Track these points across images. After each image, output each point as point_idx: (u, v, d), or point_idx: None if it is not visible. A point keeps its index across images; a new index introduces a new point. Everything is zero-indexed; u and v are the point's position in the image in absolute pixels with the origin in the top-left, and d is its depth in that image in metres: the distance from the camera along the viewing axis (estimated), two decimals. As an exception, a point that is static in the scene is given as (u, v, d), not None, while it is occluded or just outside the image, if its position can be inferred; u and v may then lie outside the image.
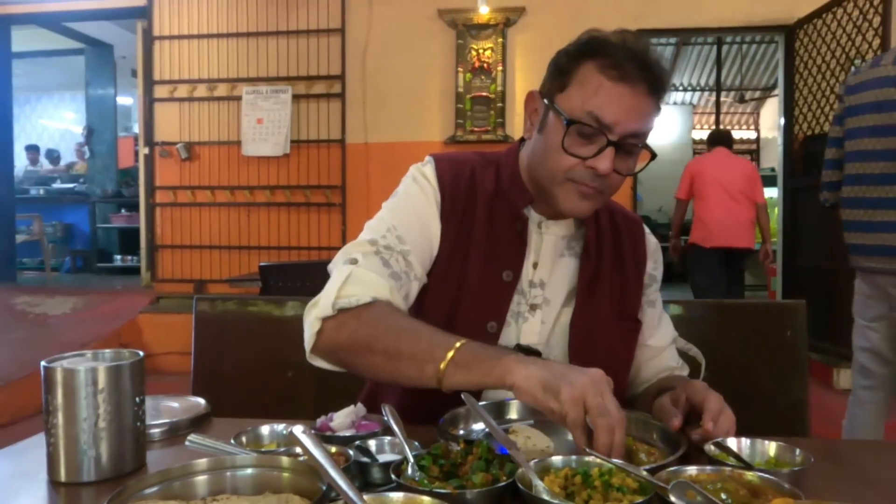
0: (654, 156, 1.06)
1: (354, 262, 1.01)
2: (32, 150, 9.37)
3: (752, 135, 10.90)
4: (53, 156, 9.43)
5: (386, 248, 1.03)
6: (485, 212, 1.11)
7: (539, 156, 1.07)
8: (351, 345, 0.95)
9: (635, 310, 1.18)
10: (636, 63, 0.99)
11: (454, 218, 1.11)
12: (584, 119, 0.99)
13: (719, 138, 4.65)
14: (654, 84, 1.01)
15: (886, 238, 2.25)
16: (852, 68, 3.79)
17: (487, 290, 1.09)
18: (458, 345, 0.87)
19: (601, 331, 1.12)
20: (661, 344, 1.21)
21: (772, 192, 6.18)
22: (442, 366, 0.86)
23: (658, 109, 1.04)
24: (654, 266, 1.22)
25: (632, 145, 1.01)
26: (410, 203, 1.10)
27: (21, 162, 9.20)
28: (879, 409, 2.43)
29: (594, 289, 1.13)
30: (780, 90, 5.09)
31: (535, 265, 1.13)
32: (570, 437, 0.98)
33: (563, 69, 1.04)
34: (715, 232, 4.33)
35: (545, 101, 1.06)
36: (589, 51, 1.02)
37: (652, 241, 1.24)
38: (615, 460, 0.73)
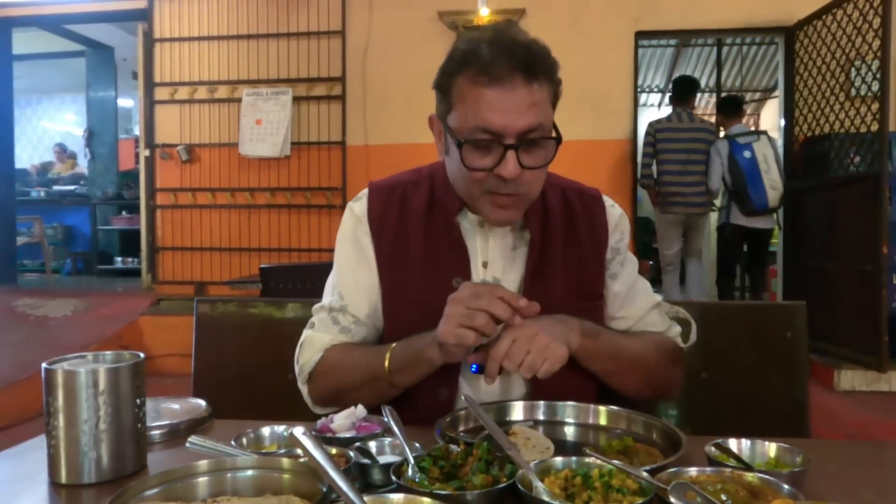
0: (559, 141, 1.03)
1: (312, 325, 1.19)
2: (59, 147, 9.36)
3: (752, 136, 10.88)
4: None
5: (332, 310, 1.16)
6: (419, 229, 1.14)
7: (453, 177, 1.09)
8: (330, 395, 1.13)
9: (596, 286, 1.17)
10: (504, 57, 0.97)
11: (386, 246, 1.15)
12: (474, 135, 0.99)
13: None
14: (530, 70, 0.98)
15: None
16: None
17: (438, 300, 1.06)
18: (387, 355, 1.03)
19: (555, 313, 1.09)
20: (636, 314, 1.20)
21: (772, 194, 6.17)
22: (389, 379, 1.04)
23: (549, 90, 1.02)
24: (619, 238, 1.20)
25: (534, 140, 1.00)
26: (343, 256, 1.19)
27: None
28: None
29: (545, 272, 1.13)
30: (780, 91, 5.09)
31: (484, 265, 1.13)
32: (570, 438, 0.99)
33: (444, 89, 1.05)
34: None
35: (441, 123, 1.07)
36: (458, 65, 1.02)
37: (615, 213, 1.20)
38: (615, 462, 0.73)
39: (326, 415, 0.93)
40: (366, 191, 1.20)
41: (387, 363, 1.04)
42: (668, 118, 4.85)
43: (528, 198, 1.07)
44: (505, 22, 1.14)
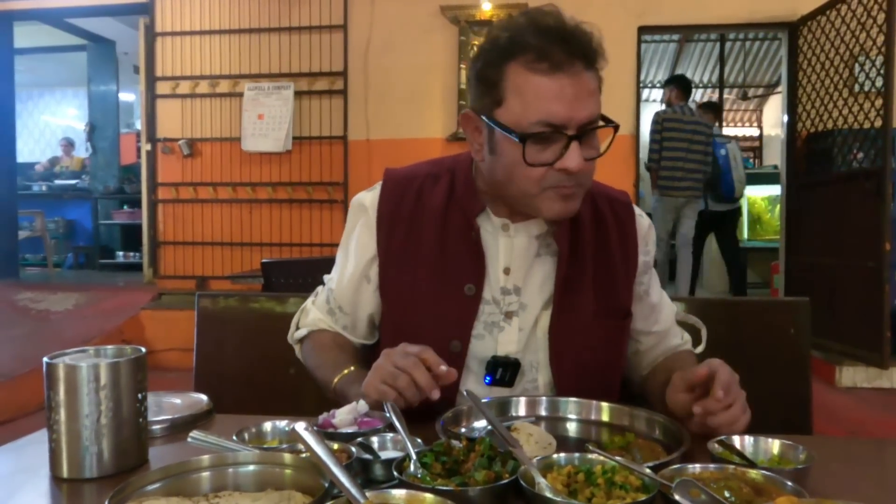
0: (616, 127, 0.98)
1: (315, 294, 1.23)
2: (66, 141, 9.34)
3: (754, 132, 10.87)
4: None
5: (329, 289, 1.19)
6: (434, 228, 1.08)
7: (503, 176, 1.00)
8: (306, 367, 1.19)
9: (625, 303, 1.12)
10: (560, 43, 0.92)
11: (396, 241, 1.10)
12: (537, 129, 0.93)
13: None
14: (588, 56, 0.94)
15: None
16: None
17: (446, 307, 1.06)
18: (335, 381, 1.04)
19: (583, 332, 1.07)
20: (664, 327, 1.18)
21: (775, 190, 6.18)
22: (334, 397, 1.05)
23: (600, 78, 0.98)
24: (647, 251, 1.15)
25: (592, 129, 0.96)
26: (342, 243, 1.19)
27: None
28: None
29: (574, 287, 1.07)
30: (783, 87, 5.08)
31: (506, 271, 1.07)
32: (572, 434, 0.98)
33: (490, 81, 0.97)
34: None
35: (485, 119, 0.99)
36: (508, 52, 0.95)
37: (643, 224, 1.15)
38: (618, 458, 0.73)
39: (329, 410, 0.92)
40: (379, 183, 1.14)
41: (333, 384, 1.05)
42: (674, 110, 5.26)
43: (585, 189, 1.01)
44: (548, 5, 1.09)
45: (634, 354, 1.21)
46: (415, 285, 1.08)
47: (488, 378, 1.06)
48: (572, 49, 0.93)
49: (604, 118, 0.98)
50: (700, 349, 1.23)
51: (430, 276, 1.07)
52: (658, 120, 5.22)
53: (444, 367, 0.90)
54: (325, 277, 1.22)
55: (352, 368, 1.05)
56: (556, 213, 1.00)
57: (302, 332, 1.20)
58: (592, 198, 1.12)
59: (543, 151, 0.95)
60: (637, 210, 1.16)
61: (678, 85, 5.42)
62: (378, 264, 1.11)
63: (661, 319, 1.18)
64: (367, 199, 1.13)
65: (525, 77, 0.93)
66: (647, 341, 1.18)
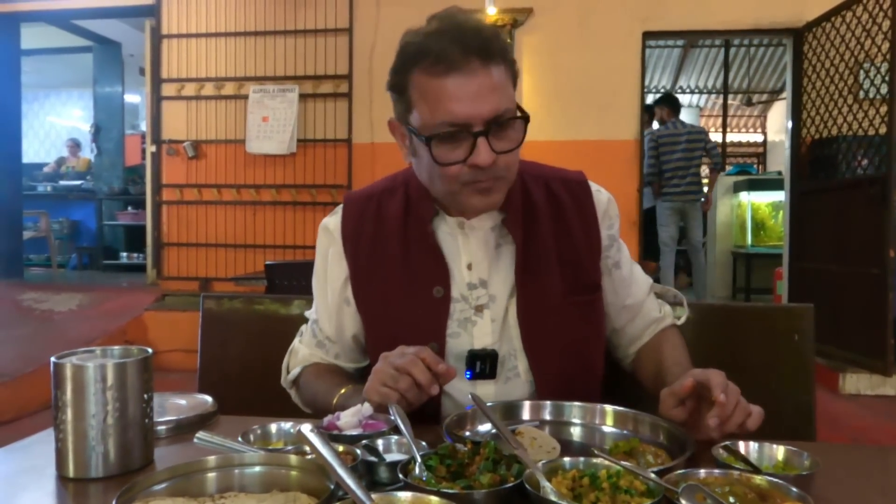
0: (526, 119, 1.00)
1: (301, 334, 1.24)
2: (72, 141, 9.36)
3: (758, 138, 10.87)
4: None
5: (313, 321, 1.21)
6: (396, 240, 1.11)
7: (426, 178, 1.05)
8: (305, 405, 1.19)
9: (593, 278, 1.13)
10: (456, 44, 0.94)
11: (363, 260, 1.13)
12: (440, 129, 0.96)
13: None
14: (485, 52, 0.95)
15: None
16: None
17: (419, 313, 1.08)
18: (334, 401, 1.04)
19: (553, 313, 1.09)
20: (638, 299, 1.19)
21: (779, 196, 6.18)
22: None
23: (507, 70, 0.99)
24: (610, 224, 1.16)
25: (502, 122, 0.97)
26: (316, 272, 1.20)
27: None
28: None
29: (536, 271, 1.09)
30: (787, 93, 5.07)
31: (469, 266, 1.10)
32: (576, 438, 0.99)
33: (399, 89, 1.02)
34: None
35: (403, 126, 1.04)
36: (410, 59, 0.99)
37: (602, 199, 1.16)
38: (623, 463, 0.73)
39: (333, 412, 0.93)
40: (339, 207, 1.19)
41: (334, 404, 1.04)
42: (666, 126, 5.93)
43: (508, 181, 1.03)
44: (450, 8, 1.11)
45: (614, 333, 1.22)
46: (386, 298, 1.11)
47: (468, 373, 1.08)
48: (467, 47, 0.95)
49: (520, 109, 1.00)
50: (682, 321, 1.23)
51: (399, 286, 1.11)
52: (653, 139, 5.86)
53: (442, 366, 0.92)
54: (307, 313, 1.24)
55: (349, 386, 1.06)
56: (480, 207, 1.04)
57: (295, 372, 1.21)
58: (545, 181, 1.15)
59: (454, 150, 0.98)
60: (594, 186, 1.18)
61: (667, 104, 6.10)
62: (351, 284, 1.15)
63: (634, 293, 1.19)
64: (330, 224, 1.18)
65: (425, 82, 0.97)
66: (624, 315, 1.19)
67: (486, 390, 1.09)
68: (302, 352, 1.21)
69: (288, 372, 1.23)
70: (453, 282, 1.10)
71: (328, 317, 1.18)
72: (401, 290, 1.10)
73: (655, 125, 6.25)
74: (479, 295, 1.10)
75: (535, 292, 1.09)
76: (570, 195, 1.14)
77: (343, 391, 1.05)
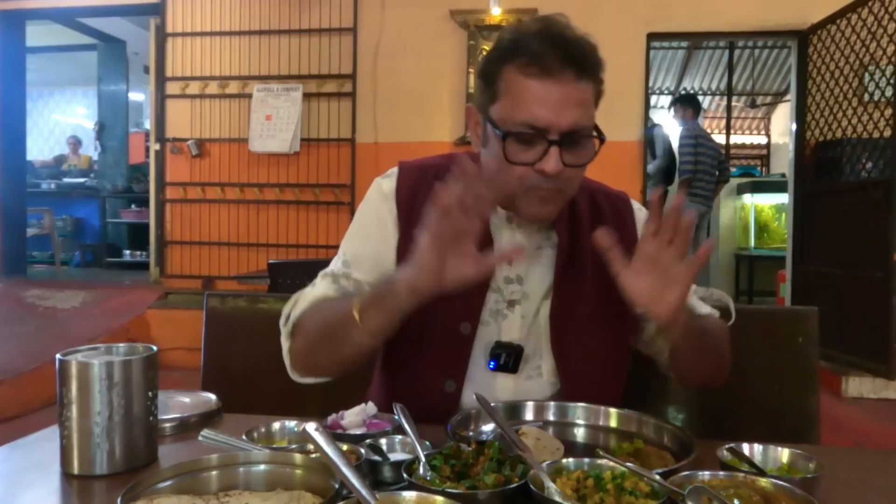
0: (602, 141, 1.02)
1: (314, 285, 1.12)
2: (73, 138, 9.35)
3: (762, 140, 10.84)
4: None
5: (335, 275, 1.11)
6: None
7: (490, 170, 1.05)
8: (309, 344, 1.06)
9: None
10: (556, 50, 0.96)
11: (413, 226, 1.05)
12: (519, 128, 0.97)
13: None
14: (582, 66, 0.97)
15: None
16: None
17: (458, 292, 1.05)
18: (356, 301, 0.94)
19: (584, 319, 1.10)
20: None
21: (782, 198, 6.17)
22: (358, 321, 0.93)
23: (595, 89, 1.01)
24: None
25: (577, 137, 0.99)
26: (359, 228, 1.14)
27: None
28: None
29: (574, 277, 1.11)
30: (792, 95, 5.06)
31: (510, 261, 1.11)
32: (580, 440, 0.99)
33: (489, 79, 1.02)
34: None
35: (482, 114, 1.05)
36: (507, 53, 0.99)
37: (642, 216, 1.19)
38: (628, 464, 0.73)
39: (337, 411, 0.93)
40: (395, 169, 1.16)
41: (356, 302, 0.95)
42: (699, 126, 5.99)
43: (566, 196, 1.05)
44: (555, 14, 1.12)
45: (652, 341, 1.20)
46: None
47: (492, 363, 1.08)
48: (566, 57, 0.96)
49: (595, 129, 1.02)
50: (731, 321, 1.22)
51: None
52: (693, 136, 5.81)
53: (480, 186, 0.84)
54: (325, 271, 1.14)
55: (362, 296, 0.97)
56: (533, 215, 1.05)
57: (305, 306, 1.09)
58: (591, 193, 1.17)
59: (526, 152, 0.99)
60: (636, 205, 1.20)
61: (691, 105, 6.06)
62: (397, 250, 1.11)
63: None
64: (385, 185, 1.15)
65: (517, 78, 0.98)
66: None
67: (506, 384, 1.10)
68: (315, 293, 1.10)
69: (287, 316, 1.12)
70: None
71: (368, 267, 1.10)
72: None
73: (677, 123, 6.18)
74: (513, 290, 1.11)
75: (570, 296, 1.11)
76: (612, 209, 1.17)
77: (356, 301, 0.95)
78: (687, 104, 6.05)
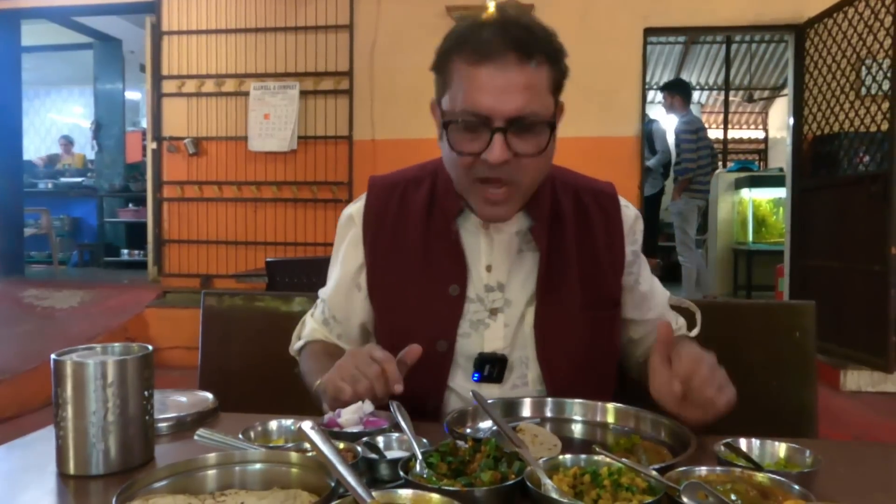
0: (552, 127, 0.97)
1: (315, 307, 1.24)
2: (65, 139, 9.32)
3: (760, 134, 10.85)
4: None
5: (322, 300, 1.21)
6: (417, 231, 1.10)
7: (446, 163, 1.05)
8: (304, 378, 1.16)
9: (613, 294, 1.12)
10: (499, 35, 0.93)
11: (381, 246, 1.12)
12: (461, 116, 0.95)
13: None
14: (526, 49, 0.93)
15: None
16: None
17: (432, 308, 1.07)
18: (314, 388, 1.03)
19: (570, 325, 1.08)
20: (658, 314, 1.18)
21: (780, 193, 6.16)
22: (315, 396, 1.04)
23: (550, 75, 0.97)
24: (634, 240, 1.15)
25: (527, 124, 0.94)
26: (335, 255, 1.20)
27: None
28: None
29: (558, 282, 1.08)
30: (789, 90, 5.06)
31: (488, 268, 1.09)
32: (577, 436, 0.98)
33: (440, 71, 1.01)
34: None
35: (438, 107, 1.04)
36: (455, 45, 0.98)
37: (630, 215, 1.15)
38: (624, 460, 0.72)
39: (335, 409, 0.93)
40: (364, 195, 1.18)
41: (315, 387, 1.04)
42: (698, 118, 5.85)
43: (522, 190, 1.00)
44: (514, 5, 1.09)
45: (630, 343, 1.21)
46: (401, 289, 1.10)
47: (476, 375, 1.07)
48: (509, 41, 0.93)
49: (553, 116, 0.98)
50: (695, 332, 1.23)
51: (416, 278, 1.09)
52: (694, 129, 5.68)
53: (399, 386, 0.91)
54: (321, 291, 1.24)
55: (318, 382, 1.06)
56: (487, 217, 1.04)
57: (300, 343, 1.23)
58: (575, 191, 1.13)
59: (472, 141, 0.96)
60: (623, 201, 1.16)
61: (680, 91, 5.79)
62: (366, 272, 1.14)
63: (654, 306, 1.18)
64: (353, 210, 1.17)
65: (461, 67, 0.96)
66: (641, 329, 1.19)
67: (492, 393, 1.07)
68: (309, 326, 1.23)
69: (296, 341, 1.26)
70: (470, 282, 1.08)
71: (338, 299, 1.18)
72: (417, 284, 1.09)
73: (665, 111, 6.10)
74: (494, 298, 1.08)
75: (554, 303, 1.08)
76: (598, 208, 1.13)
77: (321, 381, 1.03)
78: (675, 90, 5.81)
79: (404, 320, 1.09)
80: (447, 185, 1.08)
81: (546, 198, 1.09)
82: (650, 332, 1.18)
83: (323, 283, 1.25)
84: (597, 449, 0.75)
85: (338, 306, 1.18)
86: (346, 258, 1.16)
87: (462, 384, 1.08)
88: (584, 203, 1.13)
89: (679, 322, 1.22)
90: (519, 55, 0.93)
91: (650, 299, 1.18)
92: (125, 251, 8.02)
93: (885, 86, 3.87)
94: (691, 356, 0.90)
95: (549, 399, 1.03)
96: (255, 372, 1.44)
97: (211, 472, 0.73)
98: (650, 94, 9.45)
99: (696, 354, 0.91)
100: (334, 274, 1.20)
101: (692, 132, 5.67)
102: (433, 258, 1.09)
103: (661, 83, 9.66)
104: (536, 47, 0.95)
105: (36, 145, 10.41)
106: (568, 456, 0.77)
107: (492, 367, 1.07)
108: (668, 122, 6.75)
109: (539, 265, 1.08)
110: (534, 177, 1.01)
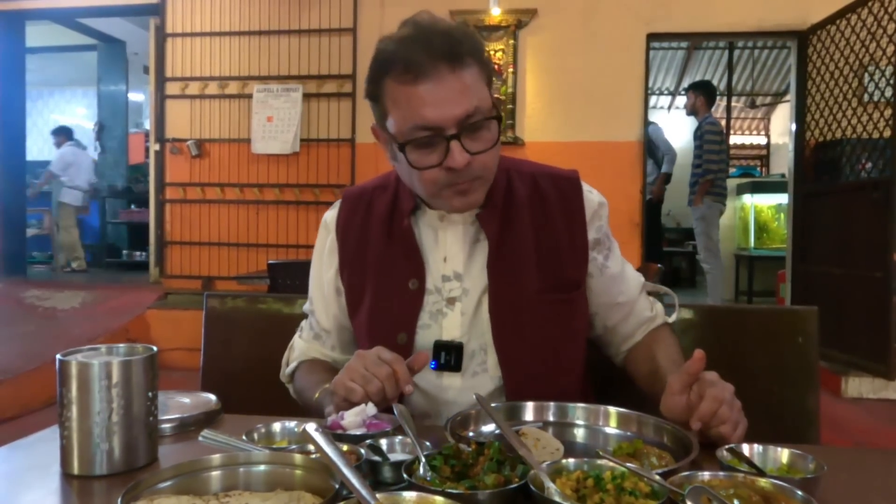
0: (499, 118, 1.02)
1: (301, 329, 1.27)
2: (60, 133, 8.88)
3: (762, 140, 10.85)
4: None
5: (309, 314, 1.25)
6: (380, 234, 1.15)
7: (407, 181, 1.09)
8: (298, 398, 1.21)
9: (573, 277, 1.13)
10: (422, 51, 0.96)
11: (349, 252, 1.17)
12: (413, 136, 0.98)
13: None
14: (453, 57, 0.97)
15: None
16: None
17: (393, 303, 1.12)
18: (315, 399, 1.07)
19: (526, 310, 1.09)
20: (631, 297, 1.18)
21: (782, 199, 6.17)
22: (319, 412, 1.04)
23: (479, 69, 1.00)
24: (598, 227, 1.15)
25: (475, 123, 0.99)
26: (313, 264, 1.24)
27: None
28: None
29: (511, 267, 1.10)
30: (791, 96, 5.06)
31: (445, 259, 1.12)
32: (579, 440, 0.99)
33: (374, 97, 1.05)
34: None
35: (382, 131, 1.07)
36: (382, 68, 1.01)
37: (593, 200, 1.15)
38: (628, 464, 0.73)
39: (314, 409, 0.93)
40: (338, 202, 1.23)
41: (315, 398, 1.08)
42: (717, 120, 5.69)
43: (486, 180, 1.05)
44: (420, 13, 1.11)
45: (606, 331, 1.21)
46: (366, 289, 1.15)
47: (433, 363, 1.09)
48: (434, 54, 0.96)
49: (495, 108, 1.02)
50: (673, 318, 1.23)
51: (378, 278, 1.14)
52: (718, 131, 5.59)
53: (409, 388, 0.95)
54: (305, 308, 1.27)
55: (327, 385, 1.07)
56: (459, 208, 1.07)
57: (292, 367, 1.24)
58: (533, 177, 1.16)
59: (429, 155, 1.00)
60: (587, 187, 1.17)
61: (705, 93, 5.68)
62: (340, 275, 1.19)
63: (626, 290, 1.18)
64: (328, 218, 1.22)
65: (396, 89, 0.99)
66: (616, 314, 1.19)
67: (453, 382, 1.10)
68: (299, 347, 1.25)
69: (286, 367, 1.26)
70: (429, 274, 1.12)
71: (324, 308, 1.21)
72: (379, 282, 1.14)
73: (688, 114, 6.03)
74: (451, 287, 1.11)
75: (507, 288, 1.10)
76: (557, 192, 1.14)
77: (326, 386, 1.06)
78: (700, 91, 5.69)
79: (369, 319, 1.14)
80: (406, 188, 1.14)
81: (499, 186, 1.12)
82: (625, 317, 1.19)
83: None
84: (600, 453, 0.76)
85: (325, 316, 1.21)
86: (325, 265, 1.21)
87: (423, 375, 1.09)
88: (541, 188, 1.15)
89: (656, 308, 1.23)
90: (450, 64, 0.97)
91: (620, 283, 1.18)
92: (127, 252, 8.03)
93: (888, 92, 3.87)
94: (715, 397, 0.90)
95: (552, 403, 1.03)
96: (258, 373, 1.44)
97: (215, 473, 0.73)
98: (653, 100, 9.46)
99: (719, 394, 0.90)
100: (317, 283, 1.23)
101: (717, 133, 5.57)
102: (393, 256, 1.13)
103: (666, 89, 9.70)
104: (462, 50, 0.98)
105: (39, 146, 10.42)
106: (571, 460, 0.77)
107: (447, 354, 1.09)
108: (665, 124, 6.76)
109: (489, 251, 1.10)
110: (494, 166, 1.06)
